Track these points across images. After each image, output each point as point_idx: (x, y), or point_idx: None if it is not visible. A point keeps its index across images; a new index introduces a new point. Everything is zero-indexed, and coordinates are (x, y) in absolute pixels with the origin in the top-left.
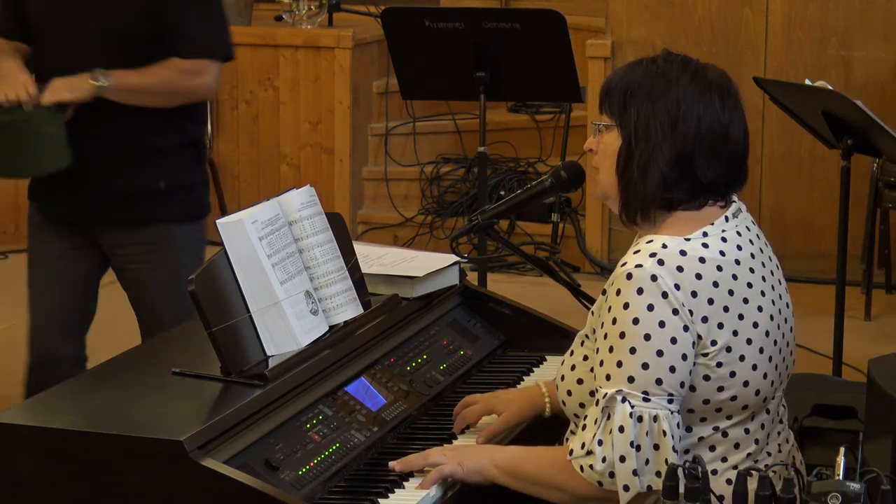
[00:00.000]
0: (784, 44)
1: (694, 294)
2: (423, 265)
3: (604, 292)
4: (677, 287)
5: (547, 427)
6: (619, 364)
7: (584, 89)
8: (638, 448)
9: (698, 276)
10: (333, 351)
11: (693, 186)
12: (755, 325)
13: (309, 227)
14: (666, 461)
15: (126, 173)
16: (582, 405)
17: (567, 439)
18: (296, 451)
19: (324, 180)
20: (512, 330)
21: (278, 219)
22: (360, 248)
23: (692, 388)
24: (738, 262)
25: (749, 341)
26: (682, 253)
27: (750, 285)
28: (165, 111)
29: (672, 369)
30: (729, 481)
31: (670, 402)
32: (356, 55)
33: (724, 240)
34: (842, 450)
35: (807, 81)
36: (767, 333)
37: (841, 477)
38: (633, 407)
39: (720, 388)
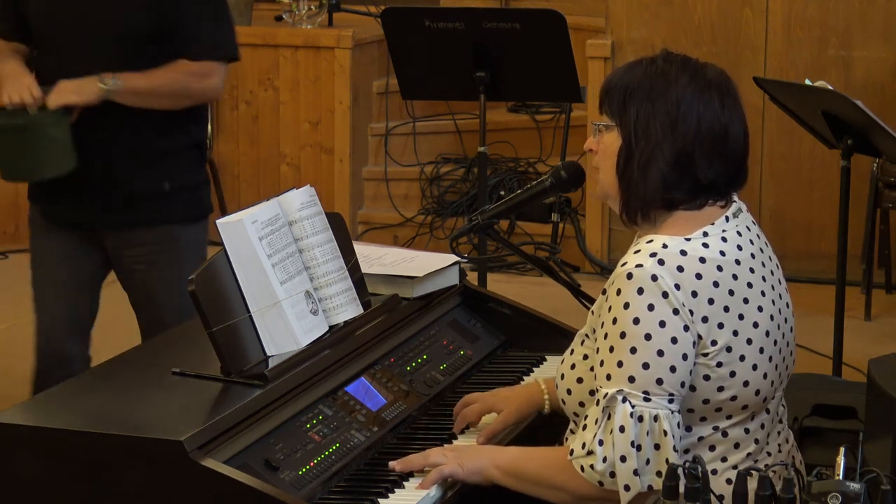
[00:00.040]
0: (784, 44)
1: (694, 294)
2: (423, 265)
3: (604, 292)
4: (678, 287)
5: (548, 426)
6: (620, 364)
7: (584, 89)
8: (639, 448)
9: (699, 276)
10: (333, 351)
11: (693, 186)
12: (755, 325)
13: (309, 227)
14: (667, 461)
15: (132, 175)
16: (581, 404)
17: (566, 438)
18: (296, 451)
19: (324, 180)
20: (512, 330)
21: (278, 219)
22: (360, 248)
23: (692, 388)
24: (738, 262)
25: (749, 341)
26: (683, 253)
27: (750, 285)
28: (171, 113)
29: (673, 369)
30: (729, 481)
31: (671, 401)
32: (356, 55)
33: (724, 240)
34: (842, 450)
35: (807, 81)
36: (767, 333)
37: (841, 477)
38: (633, 407)
39: (720, 388)
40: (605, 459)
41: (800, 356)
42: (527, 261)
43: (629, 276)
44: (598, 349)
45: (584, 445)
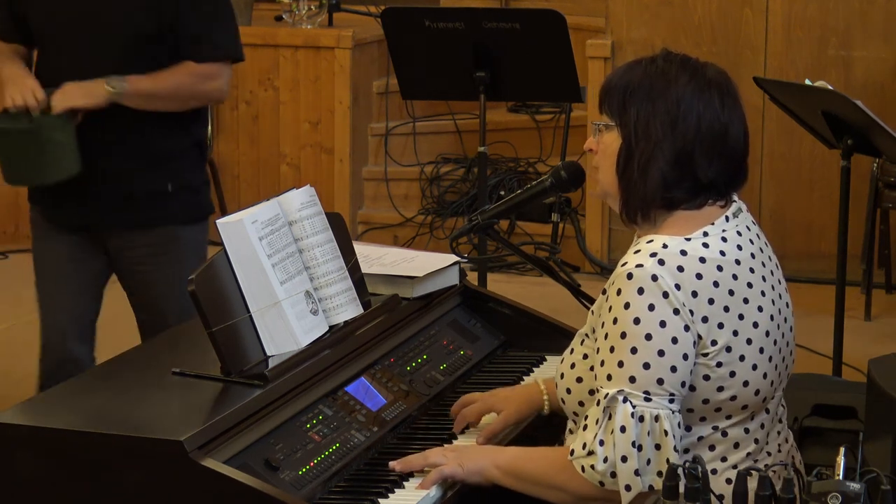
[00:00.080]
0: (784, 44)
1: (694, 294)
2: (423, 265)
3: (604, 292)
4: (678, 287)
5: (548, 426)
6: (621, 364)
7: (584, 89)
8: (639, 448)
9: (699, 276)
10: (333, 351)
11: (693, 186)
12: (755, 324)
13: (309, 227)
14: (667, 461)
15: (137, 176)
16: (581, 403)
17: (566, 438)
18: (296, 451)
19: (324, 180)
20: (512, 330)
21: (278, 219)
22: (360, 248)
23: (692, 388)
24: (738, 261)
25: (749, 341)
26: (683, 253)
27: (750, 285)
28: (175, 114)
29: (673, 369)
30: (729, 481)
31: (671, 401)
32: (356, 55)
33: (724, 240)
34: (842, 450)
35: (807, 81)
36: (767, 333)
37: (841, 477)
38: (634, 407)
39: (720, 388)
40: (605, 459)
41: (800, 356)
42: (527, 261)
43: (629, 276)
44: (598, 349)
45: (584, 445)
